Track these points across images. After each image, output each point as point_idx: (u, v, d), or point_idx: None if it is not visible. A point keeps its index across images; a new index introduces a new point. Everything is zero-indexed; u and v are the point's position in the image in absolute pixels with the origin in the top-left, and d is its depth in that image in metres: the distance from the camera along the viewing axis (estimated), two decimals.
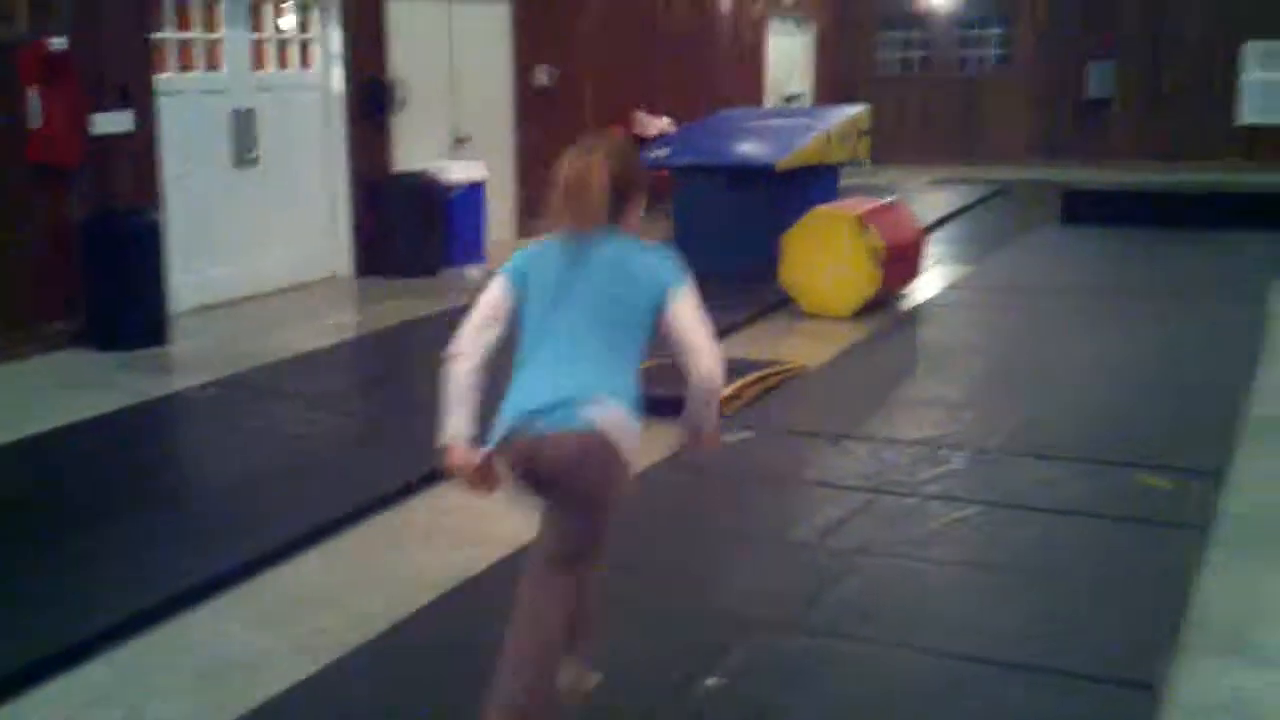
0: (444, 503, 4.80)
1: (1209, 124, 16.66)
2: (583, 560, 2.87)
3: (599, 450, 2.72)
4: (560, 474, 2.75)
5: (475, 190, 10.33)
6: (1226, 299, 8.12)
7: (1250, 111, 16.43)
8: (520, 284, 2.86)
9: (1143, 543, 4.21)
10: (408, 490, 4.95)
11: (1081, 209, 12.03)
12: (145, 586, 4.01)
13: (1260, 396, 6.09)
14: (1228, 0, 16.24)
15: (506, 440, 2.78)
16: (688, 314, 2.80)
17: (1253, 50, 16.23)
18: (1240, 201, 11.67)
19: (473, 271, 10.03)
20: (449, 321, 9.05)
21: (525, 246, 2.96)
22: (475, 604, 3.83)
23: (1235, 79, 16.41)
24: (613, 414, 2.74)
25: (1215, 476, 4.82)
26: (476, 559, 4.22)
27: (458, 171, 10.31)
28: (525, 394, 2.78)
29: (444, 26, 10.94)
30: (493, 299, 2.87)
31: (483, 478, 2.84)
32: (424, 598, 3.95)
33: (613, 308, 2.80)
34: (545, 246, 2.90)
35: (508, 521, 4.57)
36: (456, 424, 2.82)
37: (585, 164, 2.81)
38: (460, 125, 11.17)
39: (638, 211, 2.91)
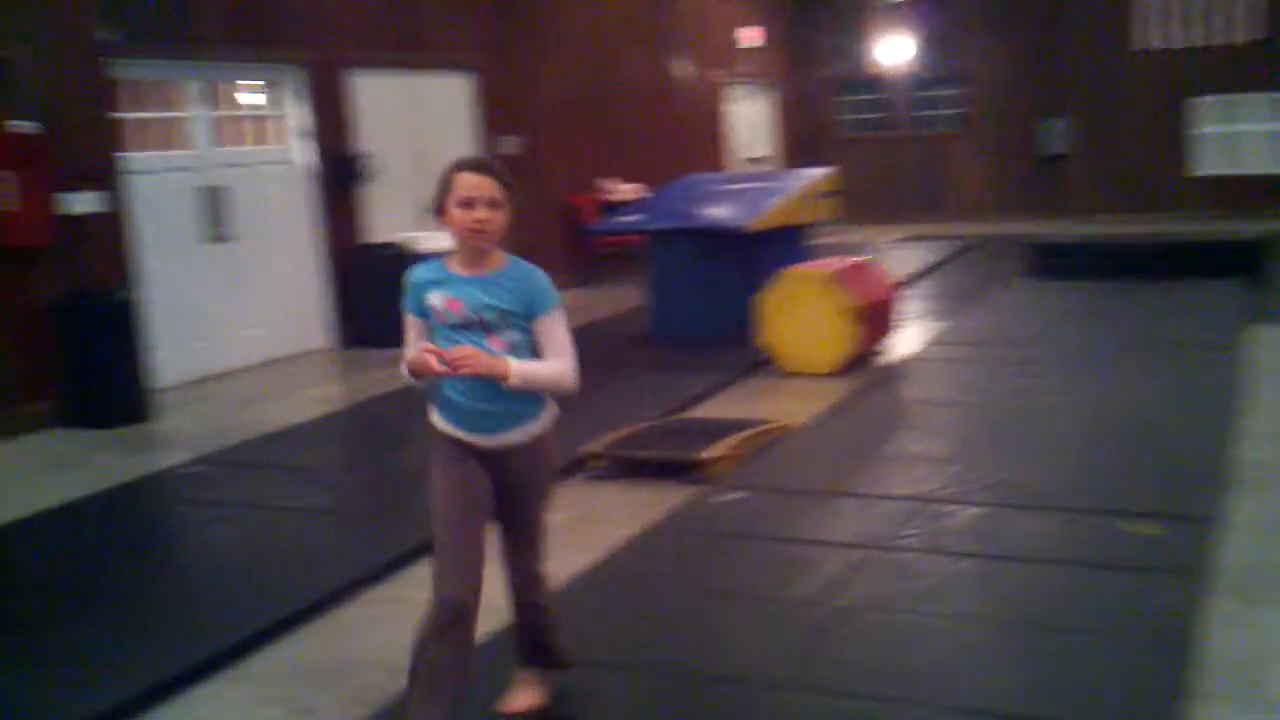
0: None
1: (1162, 176, 16.97)
2: None
3: None
4: None
5: None
6: (1198, 347, 8.19)
7: (1204, 163, 16.77)
8: None
9: (1138, 590, 4.19)
10: (400, 563, 4.90)
11: (1047, 263, 12.17)
12: (140, 668, 3.95)
13: (1247, 443, 6.05)
14: (1174, 61, 16.62)
15: None
16: None
17: (1204, 105, 16.59)
18: (1199, 251, 11.82)
19: None
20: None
21: None
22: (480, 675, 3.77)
23: (1184, 132, 16.74)
24: None
25: (1207, 522, 4.82)
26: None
27: (428, 242, 10.31)
28: None
29: (409, 98, 11.01)
30: None
31: None
32: None
33: None
34: None
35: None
36: None
37: None
38: (429, 197, 11.19)
39: None
